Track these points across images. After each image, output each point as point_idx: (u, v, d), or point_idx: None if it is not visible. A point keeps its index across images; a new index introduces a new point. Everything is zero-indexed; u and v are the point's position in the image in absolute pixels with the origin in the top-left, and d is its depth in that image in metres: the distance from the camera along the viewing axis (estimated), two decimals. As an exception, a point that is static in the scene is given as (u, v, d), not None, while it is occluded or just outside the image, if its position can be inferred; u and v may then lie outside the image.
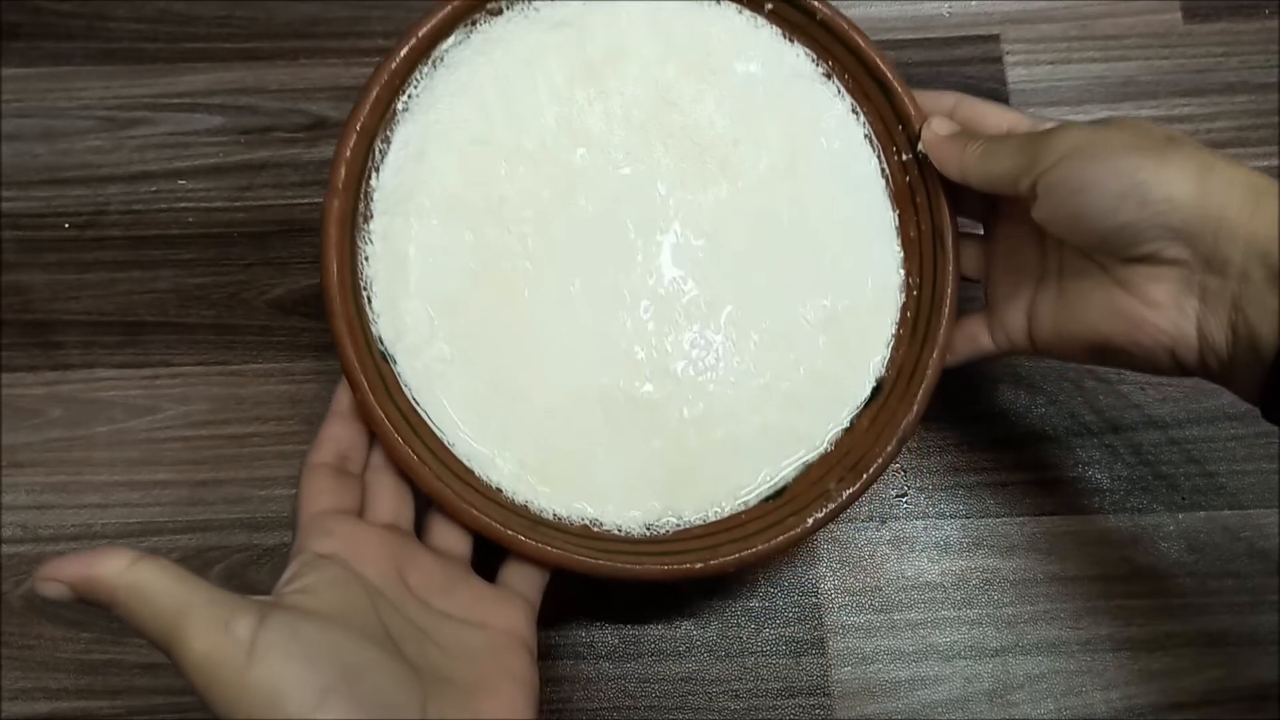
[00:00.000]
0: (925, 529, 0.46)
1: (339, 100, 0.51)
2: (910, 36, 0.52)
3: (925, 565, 0.45)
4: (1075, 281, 0.37)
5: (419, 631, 0.33)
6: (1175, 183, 0.32)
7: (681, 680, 0.43)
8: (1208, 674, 0.43)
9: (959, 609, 0.44)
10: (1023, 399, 0.47)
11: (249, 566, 0.44)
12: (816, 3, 0.41)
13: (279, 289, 0.48)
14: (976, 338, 0.40)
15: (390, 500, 0.37)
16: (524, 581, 0.37)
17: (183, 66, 0.51)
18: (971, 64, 0.52)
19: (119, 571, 0.28)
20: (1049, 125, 0.38)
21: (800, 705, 0.43)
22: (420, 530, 0.38)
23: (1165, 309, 0.34)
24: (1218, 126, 0.51)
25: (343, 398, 0.38)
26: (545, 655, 0.37)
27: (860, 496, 0.38)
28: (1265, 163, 0.50)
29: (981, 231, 0.42)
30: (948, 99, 0.40)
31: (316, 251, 0.48)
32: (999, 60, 0.52)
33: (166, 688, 0.43)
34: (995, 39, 0.52)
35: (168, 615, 0.27)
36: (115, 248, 0.49)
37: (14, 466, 0.46)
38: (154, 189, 0.49)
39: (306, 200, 0.49)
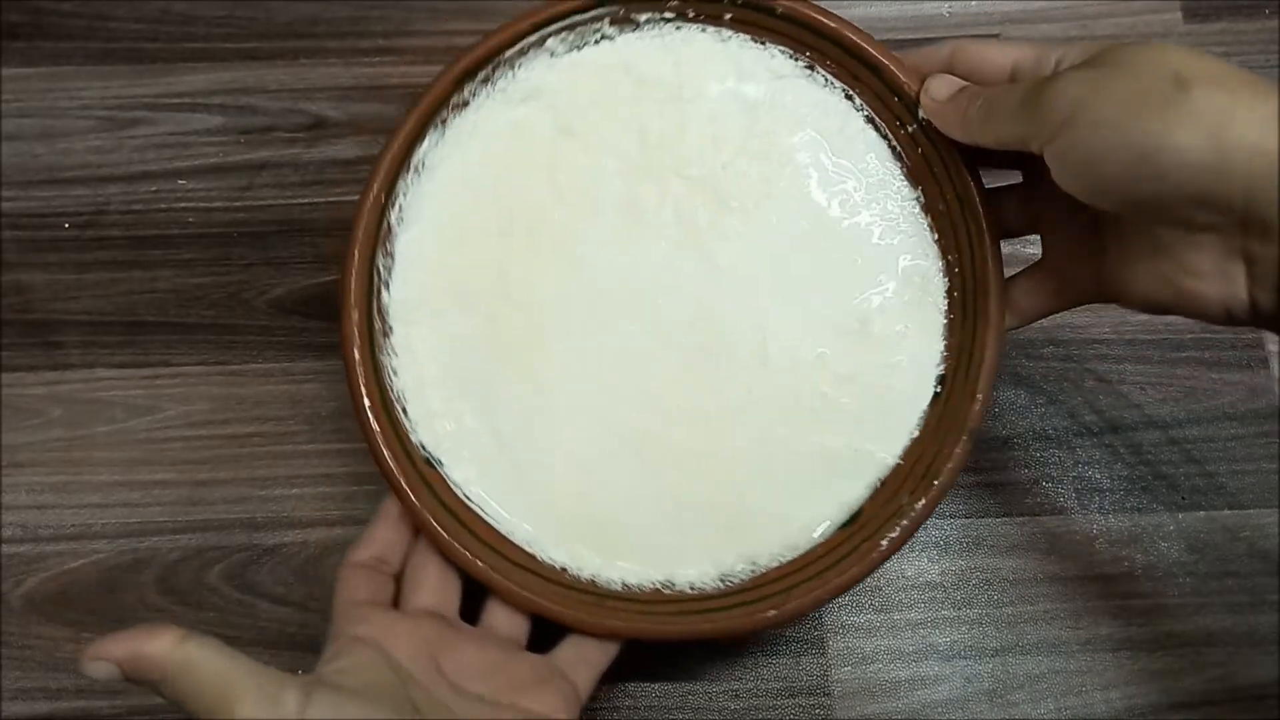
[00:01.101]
0: (925, 529, 0.45)
1: (339, 100, 0.51)
2: (910, 36, 0.52)
3: (925, 565, 0.45)
4: (1128, 239, 0.33)
5: (450, 714, 0.33)
6: (1189, 149, 0.28)
7: (682, 680, 0.43)
8: (1208, 674, 0.43)
9: (959, 609, 0.44)
10: (1023, 399, 0.47)
11: (249, 566, 0.44)
12: None
13: (279, 289, 0.48)
14: (1047, 294, 0.37)
15: (434, 585, 0.37)
16: (579, 659, 0.37)
17: (183, 66, 0.51)
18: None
19: (168, 650, 0.28)
20: (1052, 59, 0.34)
21: (800, 705, 0.43)
22: (478, 611, 0.38)
23: (1210, 278, 0.31)
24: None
25: (392, 504, 0.38)
26: (545, 655, 0.37)
27: (936, 506, 0.36)
28: (1265, 162, 0.50)
29: (1020, 179, 0.39)
30: (943, 50, 0.37)
31: (316, 251, 0.49)
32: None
33: (166, 688, 0.43)
34: (995, 39, 0.52)
35: (217, 691, 0.28)
36: (115, 248, 0.49)
37: (14, 466, 0.46)
38: (154, 189, 0.49)
39: (306, 200, 0.49)
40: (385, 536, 0.38)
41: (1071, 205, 0.35)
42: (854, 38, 0.38)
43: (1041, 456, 0.47)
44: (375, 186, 0.38)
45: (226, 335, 0.47)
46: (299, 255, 0.49)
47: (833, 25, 0.38)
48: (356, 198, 0.37)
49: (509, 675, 0.35)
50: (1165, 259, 0.32)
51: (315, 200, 0.49)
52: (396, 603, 0.37)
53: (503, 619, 0.37)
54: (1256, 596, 0.44)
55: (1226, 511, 0.46)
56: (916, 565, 0.45)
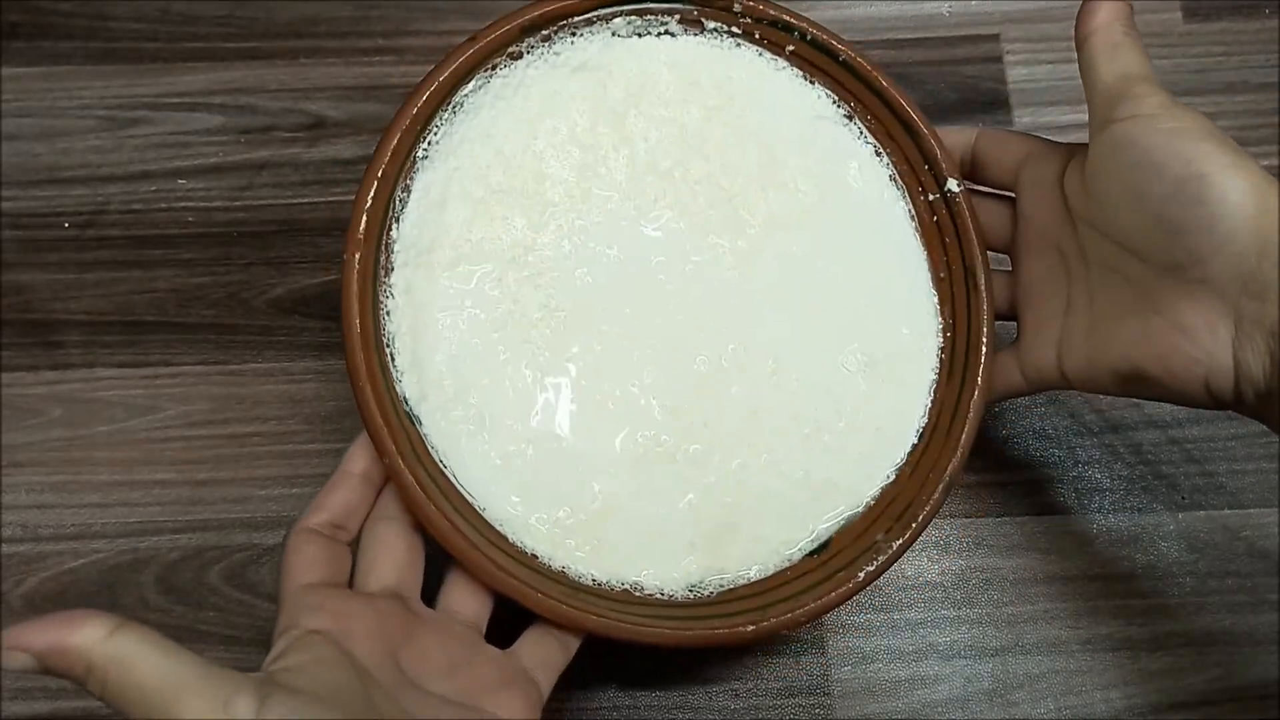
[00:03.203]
0: (926, 529, 0.45)
1: (339, 100, 0.51)
2: (910, 36, 0.52)
3: (925, 565, 0.45)
4: (1107, 308, 0.36)
5: (411, 718, 0.31)
6: (1236, 189, 0.31)
7: (681, 679, 0.43)
8: (1208, 674, 0.43)
9: (959, 608, 0.44)
10: (1023, 399, 0.47)
11: (249, 566, 0.44)
12: (839, 44, 0.40)
13: (279, 289, 0.48)
14: (1011, 375, 0.39)
15: (396, 562, 0.35)
16: (541, 660, 0.35)
17: (183, 66, 0.51)
18: (971, 63, 0.52)
19: (97, 641, 0.25)
20: (1062, 150, 0.37)
21: (800, 705, 0.43)
22: (436, 589, 0.36)
23: (1199, 335, 0.32)
24: (1218, 126, 0.51)
25: (358, 459, 0.35)
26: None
27: (911, 545, 0.37)
28: (1265, 162, 0.50)
29: (1009, 267, 0.41)
30: (967, 133, 0.40)
31: (317, 251, 0.49)
32: (999, 60, 0.52)
33: (166, 687, 0.43)
34: (995, 38, 0.52)
35: (158, 693, 0.25)
36: (115, 247, 0.49)
37: (14, 466, 0.46)
38: (154, 189, 0.49)
39: (306, 200, 0.49)
40: (344, 500, 0.35)
41: (1046, 291, 0.38)
42: (902, 100, 0.40)
43: (1041, 456, 0.47)
44: (414, 110, 0.37)
45: (226, 335, 0.47)
46: (299, 255, 0.49)
47: (886, 85, 0.40)
48: (356, 197, 0.37)
49: (472, 675, 0.34)
50: (1156, 317, 0.33)
51: (315, 200, 0.49)
52: (351, 580, 0.35)
53: (466, 601, 0.35)
54: (1256, 596, 0.44)
55: (1226, 511, 0.46)
56: (916, 565, 0.45)
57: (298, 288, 0.48)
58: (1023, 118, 0.51)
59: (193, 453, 0.46)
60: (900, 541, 0.37)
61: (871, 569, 0.36)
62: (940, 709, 0.43)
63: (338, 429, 0.46)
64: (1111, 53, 0.35)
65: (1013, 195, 0.40)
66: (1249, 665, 0.44)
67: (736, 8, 0.41)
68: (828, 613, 0.37)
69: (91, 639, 0.25)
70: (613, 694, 0.43)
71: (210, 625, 0.44)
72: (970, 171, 0.41)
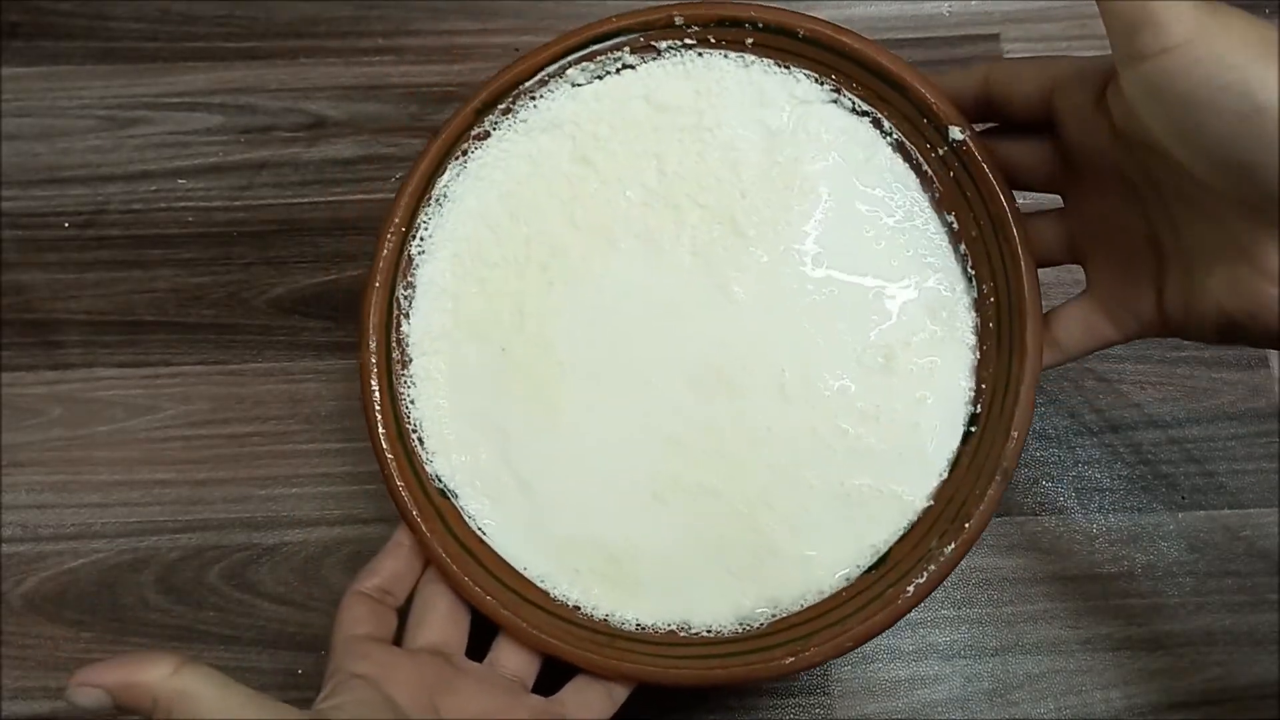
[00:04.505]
0: (925, 529, 0.45)
1: (339, 100, 0.51)
2: (910, 36, 0.52)
3: (925, 565, 0.45)
4: (1194, 246, 0.31)
5: None
6: None
7: (681, 680, 0.43)
8: (1208, 674, 0.43)
9: (959, 608, 0.44)
10: (1023, 398, 0.47)
11: (248, 566, 0.44)
12: (793, 20, 0.38)
13: (279, 288, 0.48)
14: (1095, 327, 0.35)
15: (440, 622, 0.36)
16: (583, 705, 0.36)
17: (183, 66, 0.51)
18: (971, 63, 0.52)
19: (163, 678, 0.27)
20: (1096, 76, 0.32)
21: (800, 705, 0.43)
22: (485, 648, 0.37)
23: None
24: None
25: (404, 536, 0.37)
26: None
27: (968, 551, 0.34)
28: (1265, 162, 0.50)
29: (1060, 204, 0.37)
30: (976, 73, 0.36)
31: (316, 251, 0.49)
32: (999, 60, 0.52)
33: (166, 687, 0.43)
34: (995, 38, 0.52)
35: None
36: (115, 247, 0.49)
37: (14, 466, 0.46)
38: (154, 188, 0.49)
39: (307, 199, 0.49)
40: (393, 568, 0.37)
41: (1122, 226, 0.33)
42: (878, 58, 0.37)
43: (1041, 456, 0.47)
44: (396, 218, 0.38)
45: (226, 335, 0.47)
46: (299, 255, 0.49)
47: (857, 46, 0.37)
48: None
49: None
50: (1240, 258, 0.29)
51: (315, 200, 0.49)
52: (400, 639, 0.36)
53: (511, 657, 0.36)
54: (1256, 596, 0.44)
55: (1226, 511, 0.46)
56: (916, 565, 0.45)
57: (298, 287, 0.48)
58: (1023, 117, 0.51)
59: (193, 453, 0.46)
60: (954, 546, 0.34)
61: (923, 581, 0.34)
62: (940, 709, 0.43)
63: (338, 429, 0.46)
64: None
65: (1046, 128, 0.35)
66: (1249, 665, 0.43)
67: (678, 20, 0.38)
68: (878, 634, 0.34)
69: (158, 675, 0.28)
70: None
71: (210, 625, 0.44)
72: (989, 112, 0.36)
